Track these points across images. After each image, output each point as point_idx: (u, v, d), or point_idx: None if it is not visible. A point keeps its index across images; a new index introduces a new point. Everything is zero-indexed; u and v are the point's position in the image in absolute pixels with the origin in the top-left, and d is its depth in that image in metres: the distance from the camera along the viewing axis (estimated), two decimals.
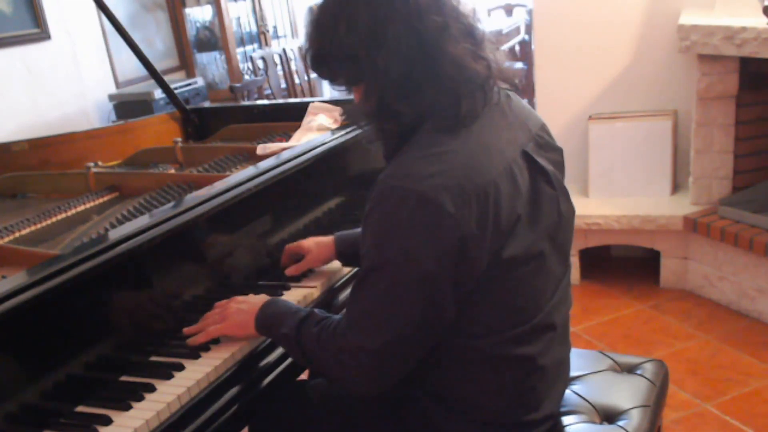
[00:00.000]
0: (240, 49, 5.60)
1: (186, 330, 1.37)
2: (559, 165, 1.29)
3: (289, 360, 1.37)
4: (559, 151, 1.30)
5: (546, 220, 1.20)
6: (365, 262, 1.14)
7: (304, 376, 1.52)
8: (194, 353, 1.30)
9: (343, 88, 1.22)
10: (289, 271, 1.59)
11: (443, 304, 1.11)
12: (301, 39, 6.30)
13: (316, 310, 1.27)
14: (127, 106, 4.35)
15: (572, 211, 1.30)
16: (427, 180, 1.07)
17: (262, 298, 1.37)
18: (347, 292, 1.61)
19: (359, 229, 1.65)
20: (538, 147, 1.23)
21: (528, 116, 1.27)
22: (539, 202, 1.19)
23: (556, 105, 3.33)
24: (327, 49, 1.17)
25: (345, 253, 1.60)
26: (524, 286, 1.18)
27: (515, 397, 1.23)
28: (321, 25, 1.17)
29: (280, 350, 1.37)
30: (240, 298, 1.39)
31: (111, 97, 4.50)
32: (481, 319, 1.17)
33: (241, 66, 5.44)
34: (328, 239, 1.62)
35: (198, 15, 5.45)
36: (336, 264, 1.65)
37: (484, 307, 1.16)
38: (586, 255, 3.18)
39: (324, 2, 1.17)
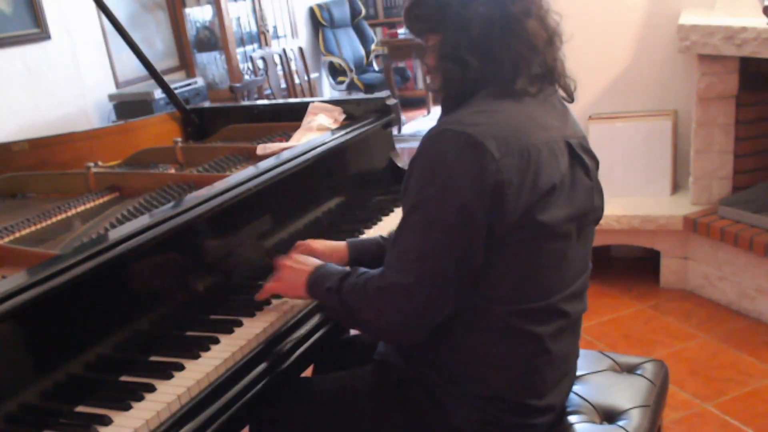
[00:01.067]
0: (240, 49, 5.60)
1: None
2: (595, 172, 1.34)
3: (291, 359, 1.38)
4: (597, 162, 1.35)
5: (579, 204, 1.25)
6: (407, 202, 1.22)
7: (306, 373, 1.52)
8: (194, 353, 1.30)
9: (422, 35, 1.32)
10: None
11: (475, 246, 1.17)
12: (300, 39, 6.31)
13: (359, 267, 1.33)
14: (127, 106, 4.36)
15: (602, 210, 1.35)
16: (477, 126, 1.16)
17: (315, 262, 1.42)
18: None
19: (370, 237, 1.68)
20: (581, 148, 1.29)
21: (576, 125, 1.33)
22: (575, 186, 1.25)
23: None
24: None
25: (358, 260, 1.58)
26: (547, 264, 1.22)
27: (519, 375, 1.25)
28: None
29: (281, 350, 1.38)
30: (297, 256, 1.45)
31: (111, 97, 4.50)
32: (500, 284, 1.21)
33: (241, 66, 5.45)
34: (341, 245, 1.60)
35: (198, 15, 5.45)
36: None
37: (506, 273, 1.20)
38: None
39: None
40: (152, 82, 3.17)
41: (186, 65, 5.30)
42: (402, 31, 6.41)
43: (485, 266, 1.19)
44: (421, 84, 7.20)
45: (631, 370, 1.56)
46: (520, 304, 1.22)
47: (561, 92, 1.32)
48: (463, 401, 1.26)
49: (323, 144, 1.83)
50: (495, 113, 1.20)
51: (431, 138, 1.20)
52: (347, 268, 1.35)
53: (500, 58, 1.21)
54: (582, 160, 1.27)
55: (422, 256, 1.18)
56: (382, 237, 1.61)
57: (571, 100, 1.34)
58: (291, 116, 2.19)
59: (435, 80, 1.30)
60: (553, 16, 1.27)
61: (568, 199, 1.22)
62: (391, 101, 2.13)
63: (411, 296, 1.19)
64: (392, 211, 1.96)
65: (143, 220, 1.37)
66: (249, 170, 1.66)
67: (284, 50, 5.30)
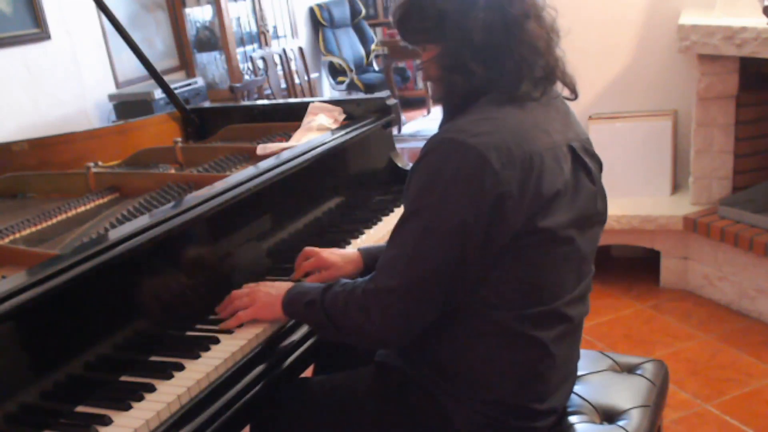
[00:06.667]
0: (240, 49, 5.60)
1: (218, 309, 1.43)
2: (598, 175, 1.33)
3: (291, 359, 1.38)
4: (600, 164, 1.35)
5: (582, 209, 1.25)
6: (406, 207, 1.22)
7: (307, 373, 1.52)
8: (194, 353, 1.30)
9: (418, 45, 1.30)
10: (310, 280, 1.55)
11: (471, 257, 1.16)
12: (300, 39, 6.31)
13: (340, 279, 1.33)
14: (127, 106, 4.36)
15: (605, 213, 1.34)
16: (479, 137, 1.15)
17: (289, 283, 1.42)
18: None
19: (382, 244, 1.66)
20: (584, 150, 1.29)
21: (578, 125, 1.33)
22: (578, 191, 1.24)
23: None
24: (418, 4, 1.24)
25: (373, 266, 1.57)
26: (549, 268, 1.22)
27: (523, 380, 1.25)
28: None
29: (281, 350, 1.38)
30: (269, 282, 1.46)
31: (111, 97, 4.50)
32: (503, 289, 1.20)
33: (241, 66, 5.45)
34: (353, 253, 1.59)
35: (198, 15, 5.45)
36: None
37: (508, 278, 1.20)
38: None
39: None
40: (152, 82, 3.17)
41: (186, 65, 5.30)
42: None
43: (488, 272, 1.18)
44: (421, 84, 7.20)
45: (631, 370, 1.56)
46: (524, 310, 1.21)
47: (564, 91, 1.31)
48: (465, 405, 1.26)
49: (323, 144, 1.83)
50: (498, 120, 1.18)
51: (433, 146, 1.19)
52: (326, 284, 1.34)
53: (503, 63, 1.20)
54: (585, 164, 1.26)
55: (413, 262, 1.17)
56: None
57: (575, 96, 1.33)
58: (291, 116, 2.19)
59: (437, 90, 1.29)
60: (549, 11, 1.26)
61: (570, 204, 1.21)
62: (391, 101, 2.13)
63: (396, 300, 1.18)
64: (392, 211, 1.96)
65: (143, 220, 1.37)
66: (249, 170, 1.66)
67: (284, 50, 5.31)
